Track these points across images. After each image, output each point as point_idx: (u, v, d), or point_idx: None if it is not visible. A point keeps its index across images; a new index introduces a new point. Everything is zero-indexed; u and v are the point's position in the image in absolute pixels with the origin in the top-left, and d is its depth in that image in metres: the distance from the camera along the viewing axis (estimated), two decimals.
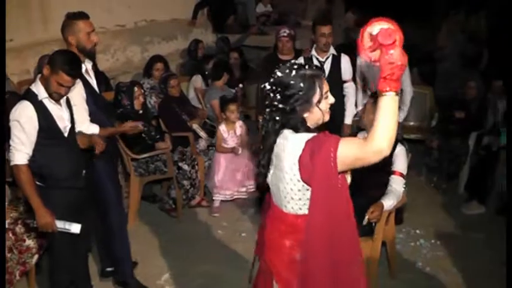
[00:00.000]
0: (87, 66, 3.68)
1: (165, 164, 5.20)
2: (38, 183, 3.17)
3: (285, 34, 5.41)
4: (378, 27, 1.95)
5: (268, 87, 2.33)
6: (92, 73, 3.75)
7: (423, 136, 6.45)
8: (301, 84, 2.25)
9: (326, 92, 2.32)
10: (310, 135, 2.19)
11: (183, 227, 5.14)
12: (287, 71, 2.29)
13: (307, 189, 2.21)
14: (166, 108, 5.86)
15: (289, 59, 5.34)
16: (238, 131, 5.59)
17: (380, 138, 1.96)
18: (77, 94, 3.46)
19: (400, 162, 3.90)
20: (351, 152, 2.05)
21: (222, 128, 5.54)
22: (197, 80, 6.88)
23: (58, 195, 3.25)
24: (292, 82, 2.26)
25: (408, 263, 4.51)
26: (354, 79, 5.25)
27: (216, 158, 5.59)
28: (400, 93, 1.97)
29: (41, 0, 6.03)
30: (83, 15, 3.56)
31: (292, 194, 2.27)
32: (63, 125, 3.24)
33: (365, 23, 2.00)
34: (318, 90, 2.28)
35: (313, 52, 5.03)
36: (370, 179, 3.91)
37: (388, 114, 1.96)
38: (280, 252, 2.40)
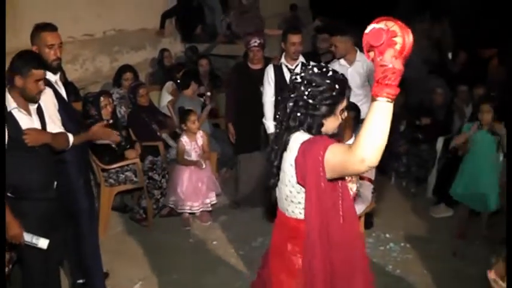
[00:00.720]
0: (56, 76, 3.66)
1: (135, 174, 5.19)
2: (8, 194, 3.13)
3: (256, 44, 5.42)
4: (370, 26, 1.83)
5: (299, 79, 2.23)
6: (60, 83, 3.72)
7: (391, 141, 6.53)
8: (336, 87, 2.18)
9: (346, 106, 2.28)
10: (308, 137, 2.17)
11: (154, 237, 5.12)
12: (324, 69, 2.23)
13: (304, 192, 2.19)
14: (135, 117, 5.84)
15: (259, 67, 5.39)
16: (200, 141, 5.48)
17: (364, 147, 1.86)
18: (49, 103, 3.43)
19: None
20: (336, 159, 2.00)
21: (184, 139, 5.41)
22: (169, 86, 6.86)
23: (29, 206, 3.21)
24: (328, 81, 2.19)
25: (378, 267, 4.55)
26: None
27: (177, 171, 5.44)
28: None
29: (13, 8, 5.96)
30: (49, 27, 3.53)
31: (292, 197, 2.26)
32: None
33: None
34: (345, 99, 2.24)
35: (283, 60, 5.05)
36: None
37: (377, 121, 1.85)
38: (282, 256, 2.36)
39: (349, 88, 2.28)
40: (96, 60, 7.45)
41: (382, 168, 5.58)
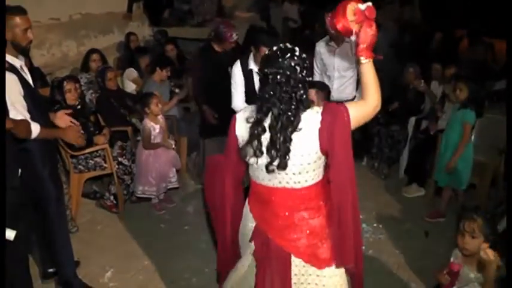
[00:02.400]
0: (21, 62, 3.55)
1: (104, 160, 5.11)
2: None
3: (234, 39, 5.23)
4: (363, 4, 2.32)
5: (294, 63, 2.36)
6: (26, 69, 3.62)
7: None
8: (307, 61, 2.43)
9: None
10: (319, 108, 2.39)
11: (125, 223, 5.06)
12: (290, 47, 2.42)
13: (321, 158, 2.41)
14: (104, 102, 5.74)
15: (224, 50, 5.28)
16: (163, 123, 5.31)
17: (375, 96, 2.40)
18: (14, 92, 3.32)
19: None
20: (359, 112, 2.38)
21: (150, 123, 5.16)
22: (131, 74, 6.70)
23: None
24: (299, 57, 2.39)
25: None
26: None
27: (142, 156, 5.20)
28: None
29: None
30: (20, 11, 3.42)
31: (308, 168, 2.40)
32: None
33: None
34: None
35: (253, 66, 4.43)
36: None
37: (375, 76, 2.40)
38: (297, 228, 2.49)
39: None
40: (62, 45, 7.32)
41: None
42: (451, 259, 3.20)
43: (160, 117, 5.30)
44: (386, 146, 6.14)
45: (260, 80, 2.46)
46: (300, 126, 2.33)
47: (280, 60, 2.34)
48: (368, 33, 2.33)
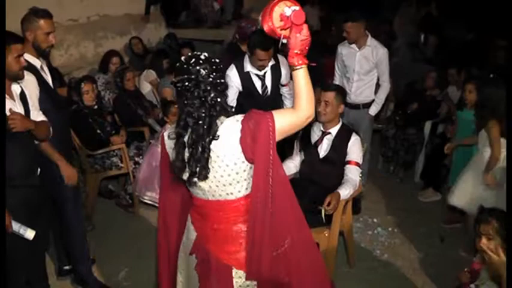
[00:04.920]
0: (41, 62, 3.60)
1: (121, 160, 5.14)
2: None
3: (253, 29, 5.26)
4: (289, 8, 2.18)
5: (200, 67, 2.27)
6: (46, 69, 3.66)
7: (379, 126, 6.52)
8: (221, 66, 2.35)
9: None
10: (240, 116, 2.29)
11: (140, 222, 5.09)
12: (206, 53, 2.35)
13: (251, 167, 2.29)
14: (121, 103, 5.79)
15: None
16: None
17: (307, 107, 2.25)
18: (32, 91, 3.36)
19: (355, 152, 3.94)
20: (286, 122, 2.26)
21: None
22: (150, 75, 6.69)
23: (12, 193, 3.14)
24: (218, 60, 2.36)
25: (366, 251, 4.57)
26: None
27: (154, 162, 5.02)
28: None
29: None
30: (46, 14, 3.50)
31: (238, 178, 2.31)
32: None
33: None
34: None
35: (249, 68, 4.54)
36: (325, 170, 3.96)
37: (308, 83, 2.25)
38: (236, 240, 2.42)
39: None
40: (80, 46, 7.35)
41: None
42: (474, 259, 3.25)
43: None
44: (402, 150, 6.10)
45: (176, 93, 2.41)
46: (219, 133, 2.25)
47: (185, 67, 2.27)
48: (298, 39, 2.20)
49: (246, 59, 4.54)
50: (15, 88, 3.17)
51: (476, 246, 3.08)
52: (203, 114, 2.25)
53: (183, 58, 2.34)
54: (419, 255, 4.51)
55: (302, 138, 4.16)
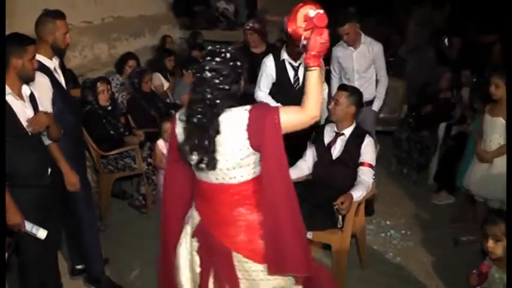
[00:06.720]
0: (55, 63, 3.62)
1: (134, 160, 5.16)
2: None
3: (248, 27, 5.39)
4: (314, 11, 2.30)
5: (213, 67, 2.34)
6: (59, 70, 3.69)
7: (393, 128, 6.49)
8: (238, 63, 2.41)
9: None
10: (248, 106, 2.37)
11: (153, 223, 5.07)
12: (222, 49, 2.40)
13: (254, 154, 2.37)
14: (135, 104, 5.81)
15: (260, 51, 5.32)
16: None
17: (314, 107, 2.34)
18: (43, 93, 3.39)
19: (369, 154, 3.93)
20: (292, 118, 2.35)
21: (161, 143, 5.01)
22: (155, 78, 6.63)
23: (24, 193, 3.16)
24: (238, 55, 2.43)
25: (379, 254, 4.55)
26: (329, 70, 5.28)
27: (161, 177, 5.08)
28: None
29: None
30: (61, 15, 3.53)
31: (242, 163, 2.38)
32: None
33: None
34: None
35: (286, 56, 4.62)
36: (338, 171, 3.95)
37: (319, 85, 2.37)
38: (235, 223, 2.48)
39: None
40: (94, 48, 7.39)
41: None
42: (484, 262, 3.23)
43: None
44: (416, 152, 6.06)
45: (197, 78, 2.47)
46: (226, 120, 2.32)
47: (207, 60, 2.37)
48: (317, 41, 2.31)
49: (284, 48, 4.66)
50: (25, 89, 3.19)
51: (484, 247, 3.08)
52: (201, 110, 2.33)
53: (210, 48, 2.41)
54: (432, 259, 4.48)
55: (315, 139, 4.16)
